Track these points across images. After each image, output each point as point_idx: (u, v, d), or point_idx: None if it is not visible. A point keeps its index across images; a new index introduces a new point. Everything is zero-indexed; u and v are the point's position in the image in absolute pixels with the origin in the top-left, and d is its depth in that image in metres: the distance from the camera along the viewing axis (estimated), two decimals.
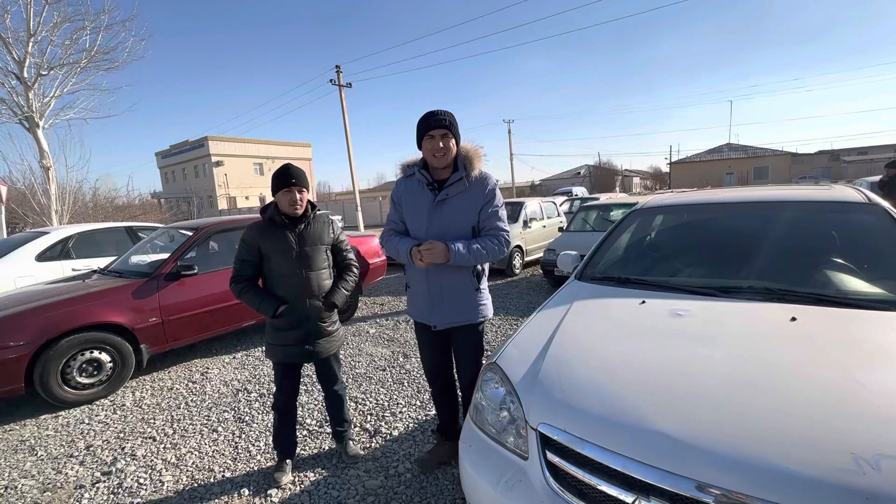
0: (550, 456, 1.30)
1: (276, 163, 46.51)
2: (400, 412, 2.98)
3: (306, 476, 2.32)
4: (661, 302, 1.85)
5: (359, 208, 20.67)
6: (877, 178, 7.70)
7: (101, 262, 5.02)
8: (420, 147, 2.01)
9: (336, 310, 2.31)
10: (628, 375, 1.39)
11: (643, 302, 1.88)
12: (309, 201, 2.22)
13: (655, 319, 1.72)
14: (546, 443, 1.32)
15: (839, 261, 1.97)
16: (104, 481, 2.38)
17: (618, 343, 1.61)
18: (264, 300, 2.14)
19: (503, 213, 2.06)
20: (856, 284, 1.81)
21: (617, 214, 6.91)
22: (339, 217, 29.09)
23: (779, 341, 1.44)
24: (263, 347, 4.50)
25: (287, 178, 2.12)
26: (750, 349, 1.42)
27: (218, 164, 42.33)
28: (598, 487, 1.17)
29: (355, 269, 2.41)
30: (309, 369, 3.45)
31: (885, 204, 2.13)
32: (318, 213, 2.30)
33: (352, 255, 2.43)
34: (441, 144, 1.93)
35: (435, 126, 1.92)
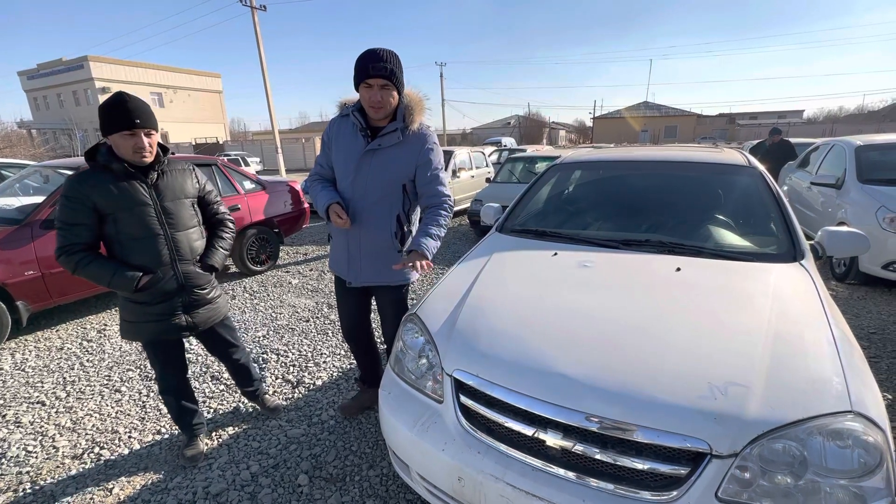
0: (463, 399, 1.40)
1: (178, 94, 40.88)
2: (324, 362, 2.98)
3: (225, 431, 2.27)
4: (571, 254, 1.99)
5: (279, 150, 19.18)
6: (755, 141, 8.80)
7: None
8: (357, 90, 1.78)
9: (214, 273, 1.99)
10: (536, 323, 1.50)
11: (555, 254, 2.01)
12: (160, 144, 1.76)
13: (565, 271, 1.85)
14: (460, 387, 1.41)
15: (721, 217, 2.24)
16: None
17: (529, 293, 1.72)
18: (118, 272, 1.68)
19: (444, 175, 1.92)
20: (730, 238, 2.08)
21: (541, 167, 7.13)
22: (259, 159, 27.01)
23: (665, 289, 1.63)
24: None
25: (126, 118, 1.57)
26: (641, 297, 1.59)
27: (104, 90, 36.21)
28: (505, 424, 1.29)
29: (231, 224, 2.07)
30: None
31: (761, 167, 2.42)
32: (172, 158, 1.85)
33: (224, 208, 2.08)
34: (379, 97, 1.71)
35: (374, 75, 1.68)
